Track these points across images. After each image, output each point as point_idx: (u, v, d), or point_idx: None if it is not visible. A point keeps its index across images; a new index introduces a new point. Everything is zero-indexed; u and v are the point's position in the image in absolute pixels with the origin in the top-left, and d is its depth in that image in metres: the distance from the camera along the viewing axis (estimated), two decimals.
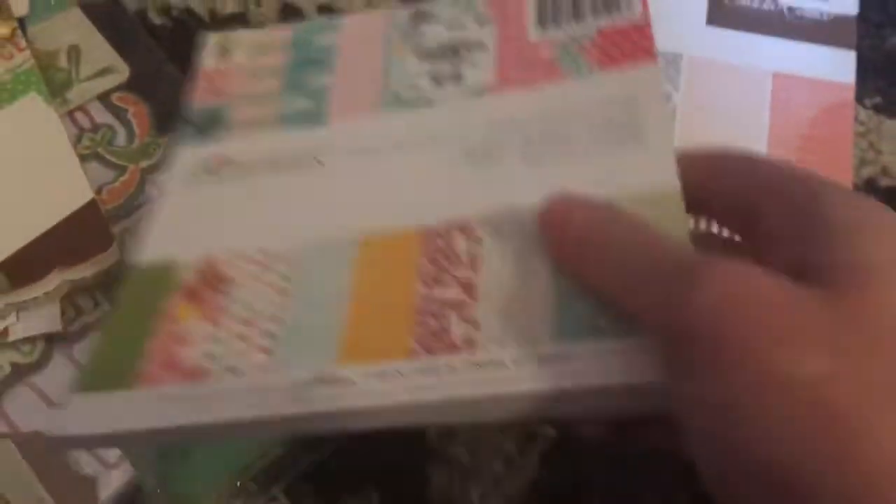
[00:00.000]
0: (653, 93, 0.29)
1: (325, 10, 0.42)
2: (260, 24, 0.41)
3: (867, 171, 0.41)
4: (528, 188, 0.27)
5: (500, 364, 0.24)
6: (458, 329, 0.25)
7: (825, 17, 0.41)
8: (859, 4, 0.43)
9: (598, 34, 0.31)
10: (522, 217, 0.27)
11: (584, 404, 0.24)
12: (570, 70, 0.30)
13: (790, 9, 0.41)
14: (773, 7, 0.41)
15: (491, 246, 0.27)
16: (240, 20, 0.41)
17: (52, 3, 0.39)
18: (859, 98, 0.42)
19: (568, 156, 0.28)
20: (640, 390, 0.22)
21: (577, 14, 0.31)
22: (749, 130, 0.39)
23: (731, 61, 0.40)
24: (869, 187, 0.40)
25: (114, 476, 0.33)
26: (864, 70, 0.42)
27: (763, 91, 0.40)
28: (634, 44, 0.30)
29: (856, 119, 0.41)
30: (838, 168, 0.39)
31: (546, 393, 0.23)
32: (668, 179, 0.26)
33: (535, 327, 0.25)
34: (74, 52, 0.38)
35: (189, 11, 0.41)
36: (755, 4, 0.41)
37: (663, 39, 0.39)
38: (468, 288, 0.26)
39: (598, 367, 0.23)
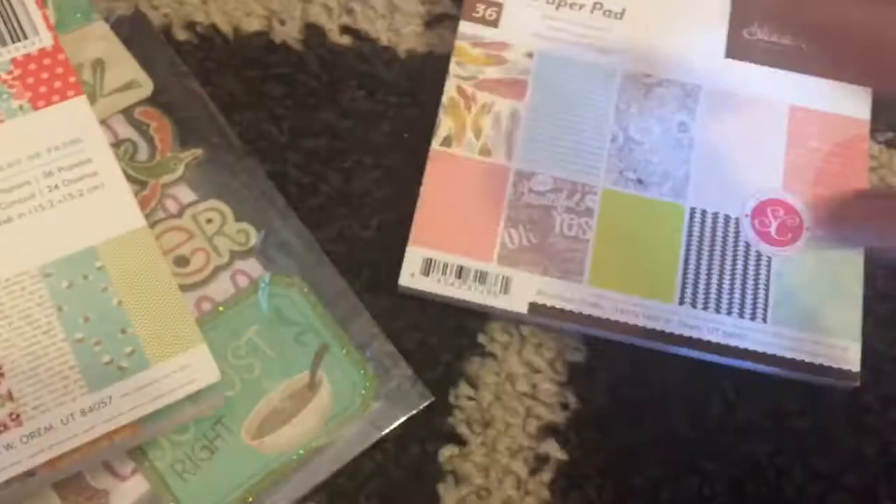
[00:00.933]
0: (93, 129, 0.35)
1: (348, 30, 0.42)
2: (283, 44, 0.41)
3: None
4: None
5: (49, 428, 0.31)
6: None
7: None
8: None
9: (14, 64, 0.34)
10: (22, 282, 0.32)
11: (137, 437, 0.31)
12: (1, 112, 0.34)
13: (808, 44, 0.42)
14: (790, 42, 0.41)
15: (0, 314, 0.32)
16: (263, 38, 0.41)
17: (78, 15, 0.39)
18: (872, 133, 0.42)
19: (36, 210, 0.33)
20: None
21: None
22: (765, 163, 0.39)
23: (748, 94, 0.41)
24: None
25: (127, 489, 0.33)
26: (877, 105, 0.43)
27: (779, 124, 0.40)
28: (54, 75, 0.35)
29: (869, 154, 0.42)
30: None
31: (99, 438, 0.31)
32: (134, 219, 0.34)
33: (69, 386, 0.31)
34: (99, 66, 0.39)
35: (213, 28, 0.41)
36: (773, 38, 0.41)
37: (682, 69, 0.40)
38: None
39: (135, 402, 0.31)
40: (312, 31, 0.42)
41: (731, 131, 0.40)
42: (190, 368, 0.32)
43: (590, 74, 0.40)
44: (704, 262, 0.38)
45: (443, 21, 0.43)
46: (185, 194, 0.38)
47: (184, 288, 0.36)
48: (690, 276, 0.37)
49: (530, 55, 0.40)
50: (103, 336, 0.32)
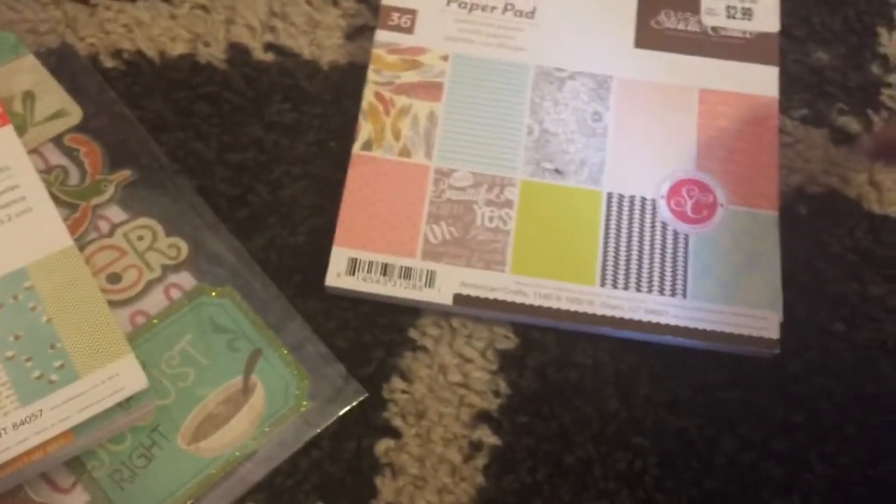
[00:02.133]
0: (20, 157, 0.37)
1: (271, 47, 0.43)
2: (208, 64, 0.43)
3: (795, 179, 0.42)
4: None
5: None
6: None
7: (749, 35, 0.43)
8: (784, 21, 0.45)
9: None
10: None
11: (71, 446, 0.33)
12: None
13: (714, 29, 0.43)
14: (697, 28, 0.43)
15: None
16: (189, 60, 0.43)
17: (7, 51, 0.40)
18: (786, 110, 0.44)
19: None
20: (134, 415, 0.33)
21: None
22: (678, 145, 0.41)
23: (658, 81, 0.42)
24: (798, 194, 0.42)
25: (68, 501, 0.34)
26: (791, 83, 0.44)
27: (690, 107, 0.41)
28: None
29: (784, 130, 0.43)
30: (764, 178, 0.40)
31: (32, 450, 0.32)
32: (62, 240, 0.36)
33: (1, 401, 0.32)
34: (29, 97, 0.40)
35: (140, 53, 0.43)
36: (681, 26, 0.43)
37: (593, 62, 0.41)
38: None
39: (65, 412, 0.32)
40: (237, 51, 0.43)
41: (643, 117, 0.41)
42: (118, 377, 0.33)
43: (504, 73, 0.42)
44: (623, 244, 0.39)
45: (363, 32, 0.44)
46: (116, 214, 0.39)
47: (117, 303, 0.37)
48: (610, 258, 0.38)
49: (445, 58, 0.42)
50: (33, 352, 0.33)
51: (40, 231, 0.36)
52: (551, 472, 0.37)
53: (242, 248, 0.39)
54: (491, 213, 0.39)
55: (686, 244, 0.39)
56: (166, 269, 0.38)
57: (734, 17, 0.43)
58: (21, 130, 0.39)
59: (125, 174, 0.40)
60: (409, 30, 0.42)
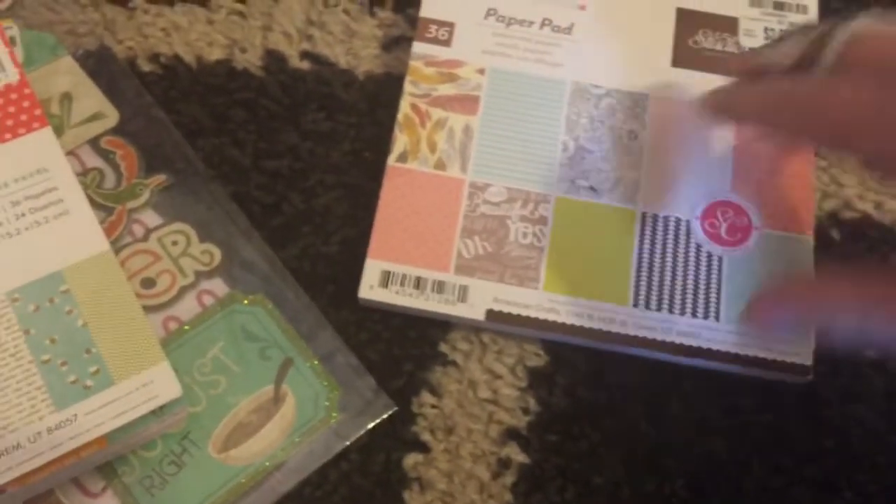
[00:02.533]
0: (58, 159, 0.37)
1: (307, 55, 0.43)
2: (245, 70, 0.43)
3: (830, 205, 0.42)
4: None
5: (17, 447, 0.32)
6: None
7: (787, 60, 0.42)
8: None
9: None
10: None
11: (104, 452, 0.33)
12: None
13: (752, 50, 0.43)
14: (735, 49, 0.43)
15: None
16: (225, 66, 0.43)
17: (46, 52, 0.41)
18: None
19: (3, 238, 0.35)
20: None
21: None
22: (714, 166, 0.40)
23: (693, 100, 0.41)
24: (832, 220, 0.42)
25: None
26: None
27: (727, 128, 0.41)
28: (21, 108, 0.37)
29: (818, 154, 0.43)
30: (800, 201, 0.40)
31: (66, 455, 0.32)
32: (98, 243, 0.36)
33: (36, 406, 0.32)
34: (66, 99, 0.40)
35: (177, 58, 0.43)
36: (718, 46, 0.43)
37: (630, 80, 0.41)
38: None
39: (100, 418, 0.32)
40: (273, 58, 0.43)
41: (679, 137, 0.41)
42: (152, 385, 0.33)
43: (540, 88, 0.42)
44: (657, 265, 0.39)
45: (399, 43, 0.44)
46: (151, 218, 0.39)
47: (151, 308, 0.37)
48: (643, 278, 0.38)
49: (482, 72, 0.42)
50: (69, 356, 0.33)
51: (77, 234, 0.36)
52: (580, 492, 0.36)
53: (275, 257, 0.39)
54: (525, 229, 0.39)
55: (720, 266, 0.39)
56: (199, 276, 0.38)
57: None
58: (58, 132, 0.39)
59: (160, 178, 0.40)
60: (446, 42, 0.42)
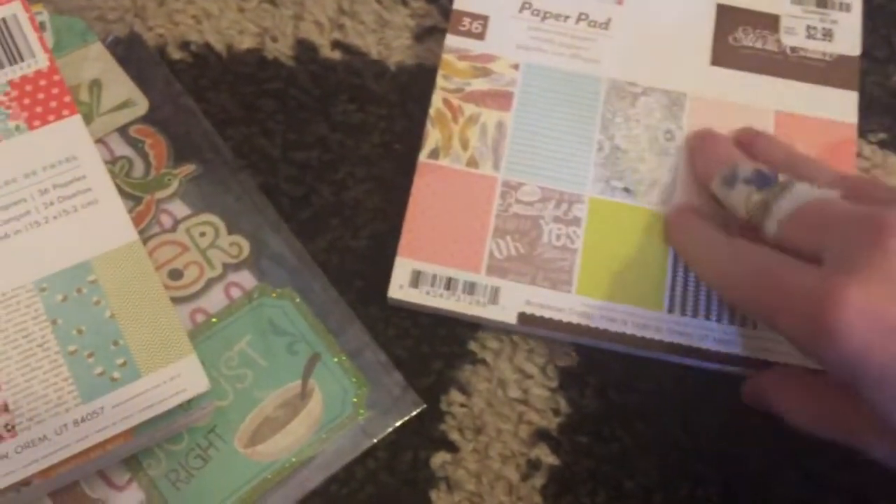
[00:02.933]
0: (87, 147, 0.36)
1: (338, 45, 0.43)
2: (275, 60, 0.42)
3: None
4: None
5: (43, 439, 0.31)
6: None
7: (828, 58, 0.42)
8: (864, 41, 0.44)
9: (11, 86, 0.36)
10: (18, 296, 0.33)
11: (130, 445, 0.32)
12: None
13: (793, 49, 0.42)
14: (776, 48, 0.42)
15: None
16: (256, 55, 0.42)
17: (75, 38, 0.40)
18: (864, 134, 0.42)
19: (31, 227, 0.34)
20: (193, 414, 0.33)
21: None
22: None
23: (733, 100, 0.41)
24: None
25: (122, 499, 0.34)
26: (870, 106, 0.43)
27: (766, 129, 0.40)
28: (50, 95, 0.36)
29: (860, 155, 0.42)
30: None
31: (92, 447, 0.31)
32: (127, 233, 0.35)
33: (63, 397, 0.32)
34: (96, 86, 0.40)
35: (207, 46, 0.42)
36: (759, 44, 0.42)
37: (668, 78, 0.40)
38: None
39: (127, 411, 0.32)
40: (304, 47, 0.43)
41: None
42: (180, 378, 0.33)
43: (575, 85, 0.41)
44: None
45: (432, 34, 0.43)
46: (179, 209, 0.38)
47: (178, 300, 0.36)
48: (679, 283, 0.37)
49: (516, 67, 0.41)
50: (96, 348, 0.33)
51: (106, 224, 0.35)
52: (611, 496, 0.36)
53: (304, 250, 0.38)
54: (558, 230, 0.38)
55: None
56: (227, 268, 0.38)
57: (814, 38, 0.42)
58: (87, 119, 0.38)
59: (189, 168, 0.39)
60: (480, 36, 0.41)
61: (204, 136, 0.40)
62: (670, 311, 0.37)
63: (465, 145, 0.39)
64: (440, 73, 0.41)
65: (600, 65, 0.41)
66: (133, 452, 0.34)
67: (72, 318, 0.33)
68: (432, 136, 0.39)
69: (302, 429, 0.35)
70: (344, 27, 0.43)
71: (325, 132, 0.41)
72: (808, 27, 0.42)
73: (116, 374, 0.33)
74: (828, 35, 0.42)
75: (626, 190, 0.39)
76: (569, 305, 0.37)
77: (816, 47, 0.42)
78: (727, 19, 0.42)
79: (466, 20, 0.42)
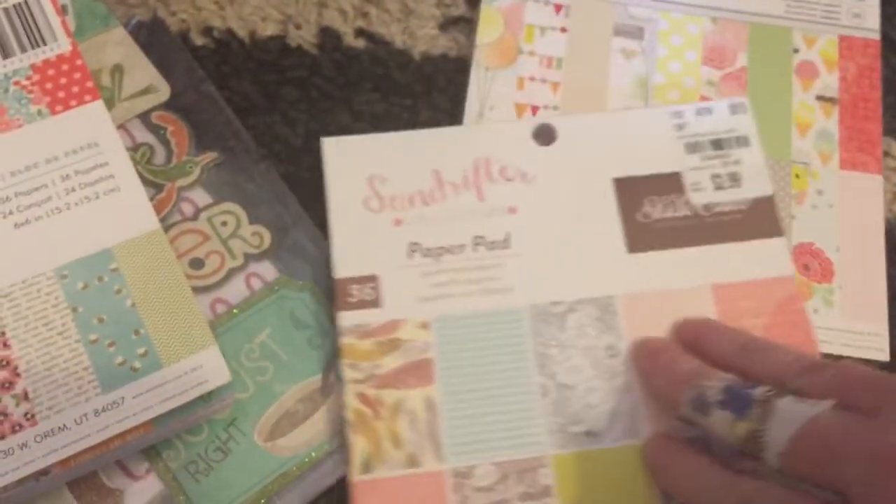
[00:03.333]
0: (110, 133, 0.35)
1: (362, 33, 0.42)
2: (298, 47, 0.42)
3: None
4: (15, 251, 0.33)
5: (63, 428, 0.31)
6: (14, 409, 0.31)
7: (744, 206, 0.37)
8: (885, 28, 0.43)
9: (33, 70, 0.35)
10: (38, 283, 0.33)
11: (149, 436, 0.32)
12: (20, 117, 0.34)
13: (706, 206, 0.37)
14: (688, 211, 0.37)
15: (11, 319, 0.32)
16: (279, 42, 0.42)
17: (97, 22, 0.39)
18: (893, 132, 0.42)
19: (52, 213, 0.34)
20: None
21: (4, 52, 0.34)
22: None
23: (665, 287, 0.36)
24: None
25: (140, 489, 0.34)
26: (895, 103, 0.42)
27: (707, 310, 0.36)
28: (72, 80, 0.35)
29: (889, 154, 0.41)
30: None
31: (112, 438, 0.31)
32: (149, 221, 0.34)
33: (83, 387, 0.31)
34: (118, 71, 0.39)
35: (230, 32, 0.42)
36: (669, 213, 0.37)
37: (589, 283, 0.36)
38: (8, 366, 0.31)
39: (147, 402, 0.31)
40: (328, 35, 0.42)
41: (659, 333, 0.35)
42: (201, 370, 0.33)
43: (496, 325, 0.35)
44: None
45: (457, 24, 0.43)
46: (201, 197, 0.38)
47: (199, 290, 0.36)
48: None
49: (425, 326, 0.35)
50: (117, 337, 0.33)
51: (127, 211, 0.35)
52: None
53: (325, 242, 0.38)
54: None
55: None
56: (248, 258, 0.37)
57: (723, 188, 0.37)
58: (109, 105, 0.38)
59: (211, 156, 0.39)
60: (374, 302, 0.36)
61: (226, 123, 0.39)
62: None
63: (397, 443, 0.34)
64: (344, 362, 0.35)
65: (515, 293, 0.36)
66: (152, 443, 0.33)
67: (93, 307, 0.33)
68: (357, 447, 0.33)
69: (322, 423, 0.35)
70: (368, 15, 0.43)
71: (347, 121, 0.41)
72: (713, 176, 0.38)
73: (137, 364, 0.32)
74: (735, 180, 0.38)
75: (588, 433, 0.34)
76: None
77: (728, 198, 0.37)
78: (629, 194, 0.37)
79: (354, 288, 0.36)
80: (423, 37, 0.42)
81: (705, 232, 0.37)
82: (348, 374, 0.34)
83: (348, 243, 0.36)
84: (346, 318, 0.35)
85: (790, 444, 0.27)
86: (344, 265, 0.36)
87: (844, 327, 0.37)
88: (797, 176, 0.40)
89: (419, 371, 0.34)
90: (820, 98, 0.41)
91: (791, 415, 0.28)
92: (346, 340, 0.35)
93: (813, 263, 0.38)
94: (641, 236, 0.37)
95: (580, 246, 0.37)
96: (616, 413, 0.34)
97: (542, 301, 0.36)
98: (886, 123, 0.41)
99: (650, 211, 0.37)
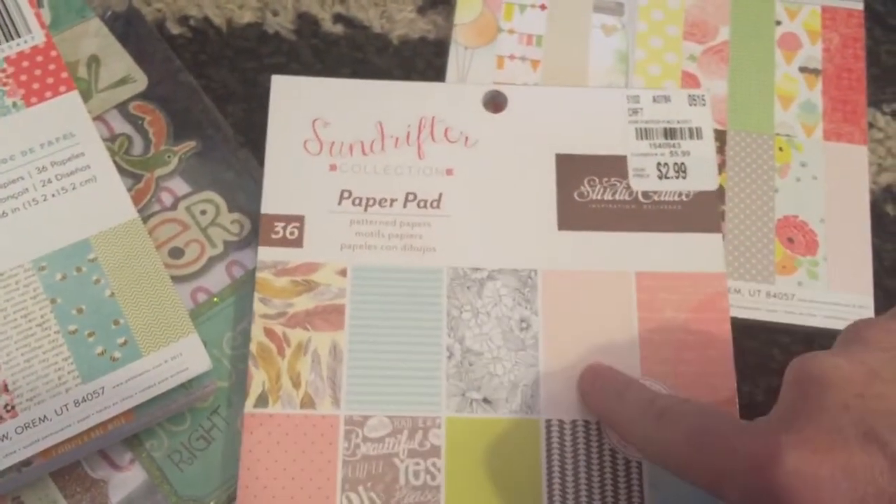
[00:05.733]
0: (85, 124, 0.35)
1: (340, 19, 0.42)
2: (276, 34, 0.41)
3: (886, 178, 0.40)
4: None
5: (44, 419, 0.31)
6: None
7: (685, 198, 0.37)
8: (876, 7, 0.42)
9: (7, 62, 0.35)
10: (16, 275, 0.33)
11: (131, 425, 0.32)
12: None
13: (645, 194, 0.37)
14: (627, 196, 0.37)
15: None
16: (256, 29, 0.41)
17: (73, 13, 0.39)
18: (878, 104, 0.41)
19: (30, 205, 0.34)
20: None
21: None
22: (620, 348, 0.35)
23: (589, 268, 0.36)
24: (887, 194, 0.40)
25: (124, 479, 0.34)
26: (883, 75, 0.42)
27: (628, 298, 0.36)
28: (47, 71, 0.35)
29: (874, 125, 0.41)
30: (719, 375, 0.34)
31: (93, 428, 0.31)
32: (126, 211, 0.34)
33: (63, 377, 0.31)
34: (94, 62, 0.39)
35: (207, 21, 0.41)
36: (608, 195, 0.37)
37: (514, 255, 0.36)
38: None
39: (128, 391, 0.31)
40: (305, 21, 0.42)
41: (577, 318, 0.35)
42: (181, 358, 0.32)
43: (413, 282, 0.35)
44: (570, 478, 0.33)
45: (436, 6, 0.42)
46: (180, 186, 0.38)
47: (179, 279, 0.36)
48: (557, 496, 0.33)
49: (343, 273, 0.35)
50: (96, 327, 0.33)
51: (105, 202, 0.35)
52: None
53: None
54: (416, 465, 0.33)
55: (640, 473, 0.33)
56: (228, 246, 0.37)
57: (667, 177, 0.37)
58: (86, 96, 0.38)
59: (189, 145, 0.38)
60: (297, 242, 0.36)
61: (204, 112, 0.39)
62: None
63: (296, 382, 0.34)
64: (256, 296, 0.35)
65: (437, 253, 0.36)
66: (134, 432, 0.33)
67: (71, 297, 0.33)
68: (257, 379, 0.34)
69: None
70: (346, 0, 0.42)
71: None
72: (659, 165, 0.37)
73: (117, 354, 0.32)
74: (680, 171, 0.37)
75: (486, 401, 0.34)
76: None
77: (671, 187, 0.37)
78: (570, 172, 0.37)
79: (279, 225, 0.36)
80: (402, 20, 0.42)
81: (640, 219, 0.37)
82: (259, 308, 0.35)
83: (280, 181, 0.37)
84: (267, 254, 0.35)
85: None
86: (272, 201, 0.36)
87: (829, 299, 0.37)
88: (780, 149, 0.40)
89: (330, 315, 0.35)
90: (803, 69, 0.41)
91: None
92: (261, 275, 0.35)
93: (797, 236, 0.38)
94: (574, 215, 0.37)
95: (511, 216, 0.37)
96: (517, 385, 0.34)
97: (463, 265, 0.36)
98: (871, 95, 0.41)
99: (587, 191, 0.37)
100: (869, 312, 0.37)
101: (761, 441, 0.25)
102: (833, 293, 0.37)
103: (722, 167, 0.39)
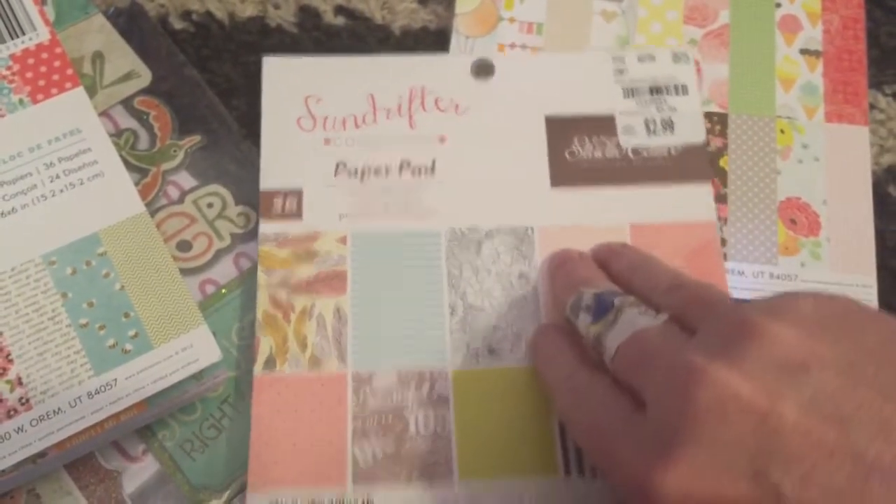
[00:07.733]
0: (91, 119, 0.36)
1: (342, 11, 0.42)
2: (278, 27, 0.42)
3: (888, 159, 0.40)
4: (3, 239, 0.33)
5: (58, 412, 0.31)
6: (9, 394, 0.31)
7: (674, 152, 0.38)
8: None
9: (12, 59, 0.35)
10: (27, 270, 0.33)
11: (143, 416, 0.32)
12: (1, 107, 0.34)
13: (635, 150, 0.38)
14: (617, 153, 0.38)
15: (2, 307, 0.32)
16: (258, 22, 0.42)
17: (76, 10, 0.40)
18: (879, 85, 0.41)
19: (38, 200, 0.34)
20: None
21: None
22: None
23: (583, 223, 0.37)
24: (889, 175, 0.40)
25: (137, 470, 0.34)
26: (884, 57, 0.42)
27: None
28: (52, 68, 0.35)
29: (875, 107, 0.41)
30: None
31: (106, 419, 0.31)
32: (134, 205, 0.35)
33: (76, 370, 0.32)
34: (98, 58, 0.39)
35: (209, 15, 0.42)
36: (598, 153, 0.38)
37: (509, 213, 0.37)
38: (0, 353, 0.31)
39: (140, 383, 0.32)
40: (307, 14, 0.42)
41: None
42: (192, 349, 0.33)
43: (413, 245, 0.36)
44: None
45: None
46: (186, 180, 0.38)
47: (187, 272, 0.36)
48: (570, 441, 0.34)
49: (343, 240, 0.36)
50: (107, 320, 0.33)
51: (112, 196, 0.35)
52: None
53: None
54: (426, 416, 0.34)
55: None
56: (235, 238, 0.37)
57: (655, 133, 0.38)
58: (91, 92, 0.38)
59: (194, 139, 0.39)
60: (296, 215, 0.37)
61: (208, 106, 0.40)
62: (567, 472, 0.33)
63: (302, 345, 0.35)
64: (260, 269, 0.36)
65: (435, 216, 0.37)
66: (146, 423, 0.34)
67: (82, 291, 0.33)
68: (264, 344, 0.35)
69: None
70: None
71: None
72: (647, 121, 0.38)
73: (128, 346, 0.33)
74: (668, 126, 0.38)
75: (490, 352, 0.35)
76: (453, 496, 0.33)
77: (659, 142, 0.38)
78: (559, 132, 0.38)
79: (278, 200, 0.37)
80: (403, 11, 0.42)
81: (630, 173, 0.38)
82: (263, 279, 0.36)
83: (277, 158, 0.38)
84: (268, 227, 0.36)
85: (617, 351, 0.29)
86: (271, 177, 0.37)
87: (833, 280, 0.37)
88: (782, 131, 0.40)
89: (332, 281, 0.36)
90: (804, 51, 0.41)
91: (628, 324, 0.29)
92: (263, 248, 0.36)
93: (799, 217, 0.38)
94: (566, 172, 0.38)
95: (504, 177, 0.38)
96: (519, 336, 0.35)
97: (460, 226, 0.37)
98: (872, 77, 0.41)
99: (577, 150, 0.38)
100: (872, 292, 0.37)
101: (644, 457, 0.25)
102: (836, 274, 0.38)
103: (724, 150, 0.39)
